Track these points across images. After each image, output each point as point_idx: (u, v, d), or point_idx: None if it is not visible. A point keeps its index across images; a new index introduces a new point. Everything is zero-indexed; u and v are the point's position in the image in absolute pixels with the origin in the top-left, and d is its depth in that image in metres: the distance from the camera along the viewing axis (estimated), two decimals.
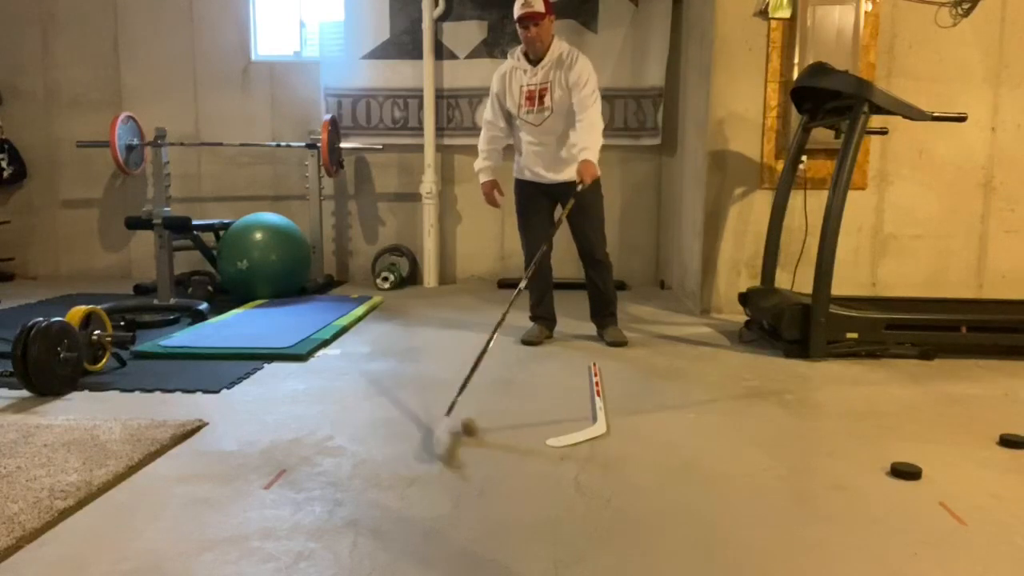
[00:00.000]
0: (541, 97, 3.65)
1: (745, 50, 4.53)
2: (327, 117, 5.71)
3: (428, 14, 5.73)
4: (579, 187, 3.46)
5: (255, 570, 1.62)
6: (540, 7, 3.54)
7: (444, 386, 3.07)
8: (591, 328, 4.03)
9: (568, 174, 3.62)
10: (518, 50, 3.74)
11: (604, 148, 3.64)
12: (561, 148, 3.68)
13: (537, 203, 3.82)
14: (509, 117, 3.79)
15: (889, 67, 4.51)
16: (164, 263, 4.62)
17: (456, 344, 3.87)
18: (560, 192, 3.72)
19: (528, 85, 3.67)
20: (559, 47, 3.66)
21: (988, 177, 4.61)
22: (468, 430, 2.44)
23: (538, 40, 3.59)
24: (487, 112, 3.83)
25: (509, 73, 3.74)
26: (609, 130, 5.67)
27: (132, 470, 2.13)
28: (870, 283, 4.68)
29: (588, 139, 3.51)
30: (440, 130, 5.96)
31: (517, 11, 3.56)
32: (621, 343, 3.83)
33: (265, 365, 3.37)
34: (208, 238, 5.36)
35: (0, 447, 2.25)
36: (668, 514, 1.91)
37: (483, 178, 3.83)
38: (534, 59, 3.67)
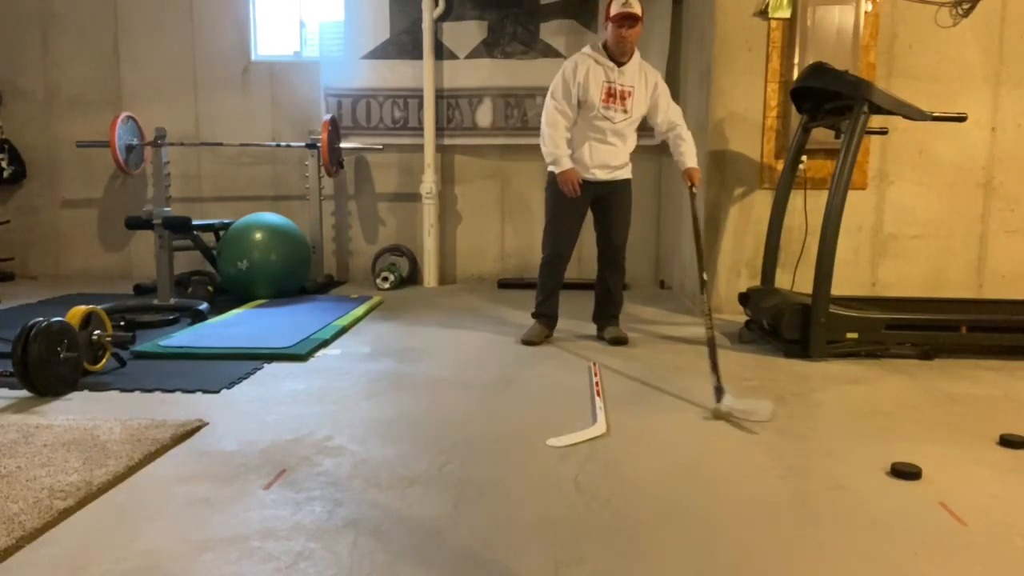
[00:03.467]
0: (623, 97, 3.67)
1: (745, 50, 4.53)
2: (327, 117, 5.71)
3: (428, 14, 5.74)
4: (694, 189, 3.75)
5: (255, 570, 1.62)
6: (639, 10, 3.56)
7: (444, 386, 3.08)
8: (591, 328, 4.03)
9: (620, 174, 3.81)
10: (599, 44, 3.71)
11: None
12: (625, 149, 3.80)
13: (578, 200, 3.75)
14: (577, 109, 3.72)
15: (889, 67, 4.51)
16: (164, 263, 4.61)
17: (456, 344, 3.87)
18: (607, 191, 3.79)
19: (613, 83, 3.66)
20: (637, 54, 3.72)
21: (988, 177, 4.61)
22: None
23: (630, 41, 3.62)
24: (559, 103, 3.68)
25: (592, 66, 3.67)
26: None
27: (132, 470, 2.13)
28: (870, 283, 4.68)
29: (693, 148, 3.82)
30: (440, 130, 5.96)
31: (617, 9, 3.55)
32: (622, 341, 3.84)
33: (265, 365, 3.37)
34: (208, 238, 5.36)
35: (0, 447, 2.25)
36: (668, 514, 1.91)
37: (564, 166, 3.68)
38: (618, 59, 3.67)
